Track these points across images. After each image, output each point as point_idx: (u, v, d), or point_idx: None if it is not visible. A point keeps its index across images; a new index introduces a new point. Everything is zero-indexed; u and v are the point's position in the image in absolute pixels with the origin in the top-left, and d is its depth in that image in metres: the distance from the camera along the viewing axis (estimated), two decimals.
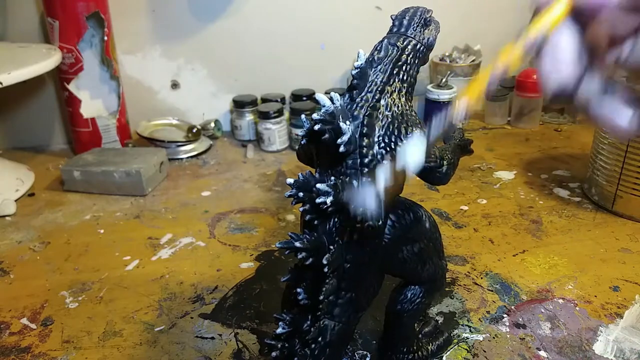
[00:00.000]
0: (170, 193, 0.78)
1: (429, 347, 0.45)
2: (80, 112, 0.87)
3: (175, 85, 0.99)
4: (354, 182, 0.33)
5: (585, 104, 0.25)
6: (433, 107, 0.94)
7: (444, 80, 0.94)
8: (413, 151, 0.26)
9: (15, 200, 0.76)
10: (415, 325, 0.45)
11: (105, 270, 0.60)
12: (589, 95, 0.25)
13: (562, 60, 0.24)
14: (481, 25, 1.04)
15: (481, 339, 0.48)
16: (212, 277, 0.58)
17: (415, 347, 0.44)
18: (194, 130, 0.94)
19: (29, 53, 0.80)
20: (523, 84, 0.97)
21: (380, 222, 0.35)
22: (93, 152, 0.83)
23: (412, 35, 0.38)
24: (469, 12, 1.02)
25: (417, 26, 0.38)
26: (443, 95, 0.92)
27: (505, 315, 0.51)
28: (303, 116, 0.34)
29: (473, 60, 0.98)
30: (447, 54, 1.01)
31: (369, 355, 0.45)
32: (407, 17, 0.38)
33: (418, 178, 0.36)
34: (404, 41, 0.37)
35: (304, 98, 0.96)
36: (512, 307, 0.52)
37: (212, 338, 0.49)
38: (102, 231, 0.68)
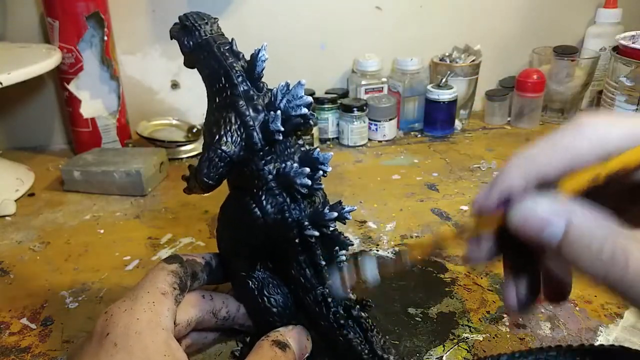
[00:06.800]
0: (170, 193, 0.78)
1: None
2: (80, 112, 0.87)
3: (175, 85, 0.99)
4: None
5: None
6: (433, 107, 0.94)
7: (444, 80, 0.94)
8: (372, 269, 0.34)
9: (15, 200, 0.76)
10: None
11: (105, 270, 0.60)
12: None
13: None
14: (481, 25, 1.04)
15: (481, 339, 0.48)
16: None
17: None
18: (194, 130, 0.94)
19: (29, 53, 0.80)
20: (523, 83, 0.97)
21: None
22: (93, 152, 0.83)
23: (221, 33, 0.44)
24: (469, 12, 1.02)
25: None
26: (443, 95, 0.92)
27: (505, 315, 0.51)
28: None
29: (473, 60, 0.98)
30: (447, 54, 1.01)
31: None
32: (206, 19, 0.45)
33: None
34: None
35: None
36: None
37: None
38: (102, 231, 0.69)
